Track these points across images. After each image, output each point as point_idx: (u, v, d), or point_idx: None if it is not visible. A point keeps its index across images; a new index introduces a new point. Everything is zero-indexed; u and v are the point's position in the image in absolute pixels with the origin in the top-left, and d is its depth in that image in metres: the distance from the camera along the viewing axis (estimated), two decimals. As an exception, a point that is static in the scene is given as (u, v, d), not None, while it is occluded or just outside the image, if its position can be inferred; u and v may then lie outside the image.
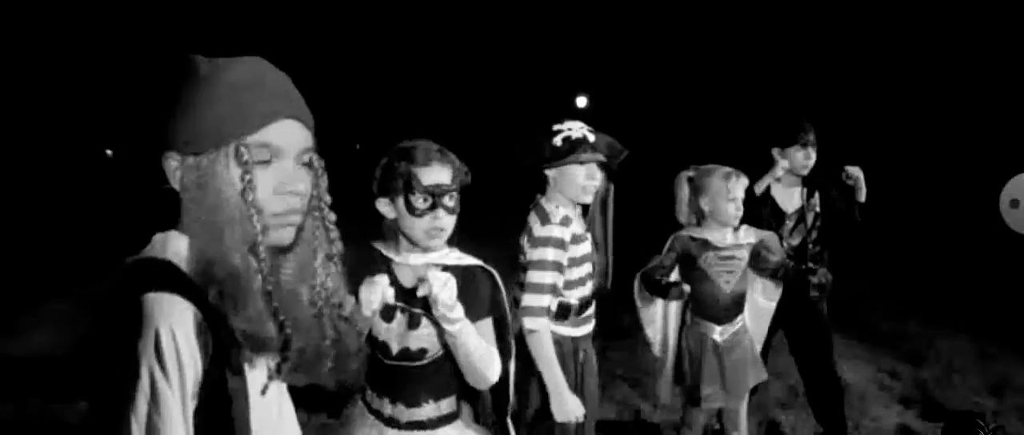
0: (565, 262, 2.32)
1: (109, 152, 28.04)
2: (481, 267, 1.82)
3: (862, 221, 3.29)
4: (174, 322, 0.93)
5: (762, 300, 3.04)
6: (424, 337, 1.76)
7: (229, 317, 0.97)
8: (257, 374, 1.06)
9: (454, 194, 1.73)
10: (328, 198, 1.16)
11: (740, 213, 2.76)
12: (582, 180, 2.34)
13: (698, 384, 2.79)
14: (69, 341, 4.87)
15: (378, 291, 1.63)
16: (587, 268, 2.44)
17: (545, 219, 2.33)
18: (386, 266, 1.79)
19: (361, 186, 1.79)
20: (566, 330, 2.42)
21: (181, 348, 0.92)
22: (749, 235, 2.84)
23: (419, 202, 1.68)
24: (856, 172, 3.26)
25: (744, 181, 2.77)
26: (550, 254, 2.29)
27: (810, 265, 3.33)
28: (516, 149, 2.42)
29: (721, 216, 2.76)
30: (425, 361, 1.77)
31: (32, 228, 10.76)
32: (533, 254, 2.31)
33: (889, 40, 16.20)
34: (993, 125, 13.66)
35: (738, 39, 20.57)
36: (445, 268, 1.74)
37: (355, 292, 1.61)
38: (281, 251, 1.09)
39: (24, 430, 3.69)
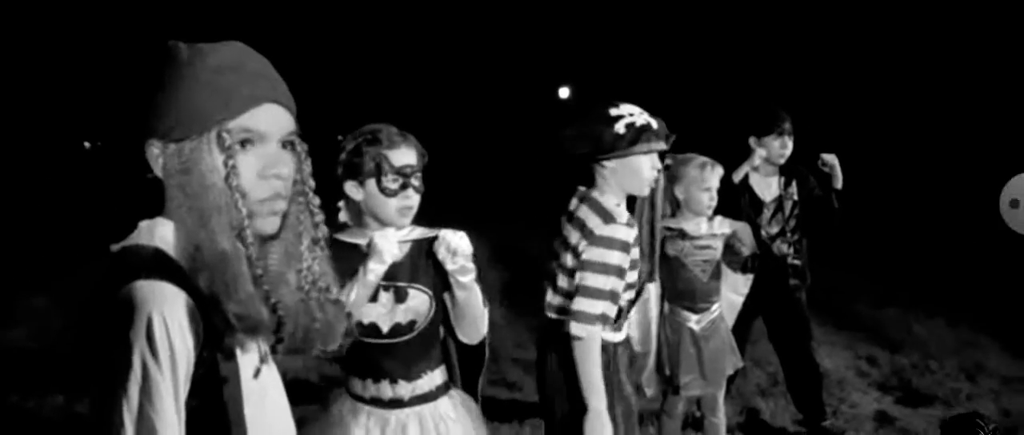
0: (627, 266, 2.11)
1: (87, 145, 27.74)
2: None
3: (840, 208, 3.32)
4: (166, 309, 0.92)
5: (732, 294, 3.05)
6: (412, 309, 1.83)
7: (222, 301, 0.97)
8: (248, 359, 1.07)
9: (419, 175, 1.81)
10: (312, 183, 1.15)
11: (714, 203, 2.78)
12: (647, 172, 2.12)
13: (677, 372, 2.81)
14: (47, 336, 4.83)
15: (393, 238, 1.75)
16: (636, 272, 2.23)
17: (608, 217, 2.09)
18: (352, 255, 1.80)
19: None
20: (611, 336, 2.24)
21: (173, 335, 0.92)
22: (723, 226, 2.87)
23: (391, 183, 1.75)
24: (832, 160, 3.29)
25: (719, 171, 2.78)
26: (615, 258, 2.06)
27: (788, 256, 3.37)
28: (566, 137, 2.16)
29: (695, 205, 2.78)
30: (415, 333, 1.83)
31: (9, 223, 10.62)
32: (592, 254, 2.07)
33: (886, 35, 16.26)
34: (977, 118, 13.79)
35: (719, 29, 20.64)
36: (414, 241, 1.84)
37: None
38: (268, 237, 1.10)
39: (2, 425, 3.66)
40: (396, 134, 1.79)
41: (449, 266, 1.75)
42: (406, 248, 1.84)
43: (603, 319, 2.10)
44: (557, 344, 2.19)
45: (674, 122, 2.22)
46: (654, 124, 2.12)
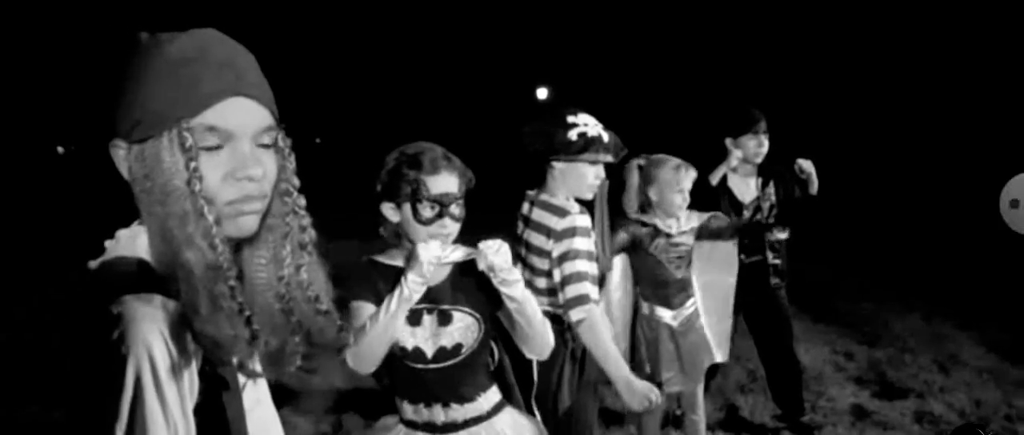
0: (594, 248, 2.25)
1: (60, 150, 27.37)
2: None
3: (816, 209, 3.35)
4: (160, 324, 0.85)
5: (721, 276, 3.03)
6: (457, 332, 1.76)
7: (189, 317, 0.88)
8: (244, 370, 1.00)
9: (460, 202, 1.73)
10: (296, 181, 1.05)
11: (686, 204, 2.81)
12: (591, 179, 2.28)
13: (657, 369, 2.84)
14: (23, 346, 4.78)
15: (435, 249, 1.64)
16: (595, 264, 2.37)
17: (562, 212, 2.23)
18: (393, 276, 1.72)
19: (324, 179, 1.77)
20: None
21: (172, 350, 0.86)
22: (692, 220, 2.90)
23: (426, 211, 1.68)
24: (809, 167, 3.29)
25: (692, 173, 2.81)
26: (581, 243, 2.20)
27: (768, 256, 3.39)
28: (524, 134, 2.31)
29: (667, 206, 2.81)
30: (462, 356, 1.76)
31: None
32: (561, 247, 2.20)
33: (878, 31, 16.32)
34: (956, 117, 13.94)
35: (698, 29, 20.76)
36: (455, 265, 1.75)
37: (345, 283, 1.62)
38: (246, 242, 1.02)
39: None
40: (440, 158, 1.71)
41: (494, 282, 1.69)
42: (447, 270, 1.77)
43: (593, 299, 2.19)
44: None
45: (651, 122, 2.27)
46: (605, 137, 2.26)
